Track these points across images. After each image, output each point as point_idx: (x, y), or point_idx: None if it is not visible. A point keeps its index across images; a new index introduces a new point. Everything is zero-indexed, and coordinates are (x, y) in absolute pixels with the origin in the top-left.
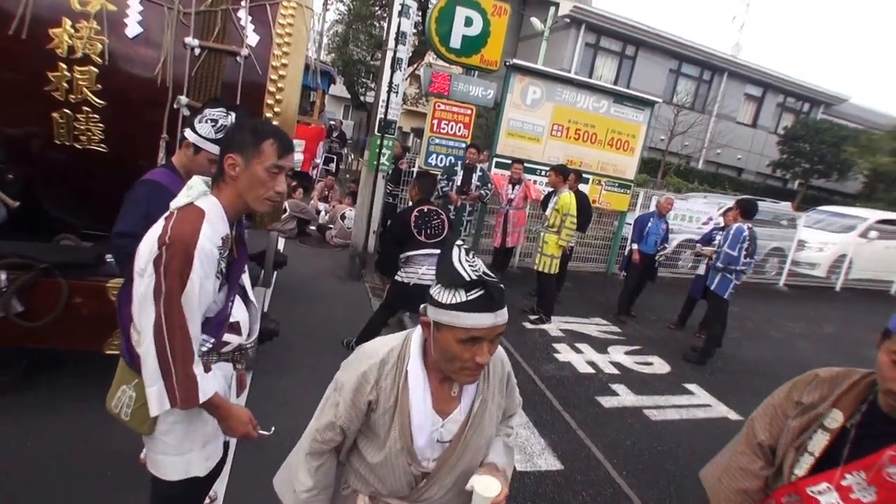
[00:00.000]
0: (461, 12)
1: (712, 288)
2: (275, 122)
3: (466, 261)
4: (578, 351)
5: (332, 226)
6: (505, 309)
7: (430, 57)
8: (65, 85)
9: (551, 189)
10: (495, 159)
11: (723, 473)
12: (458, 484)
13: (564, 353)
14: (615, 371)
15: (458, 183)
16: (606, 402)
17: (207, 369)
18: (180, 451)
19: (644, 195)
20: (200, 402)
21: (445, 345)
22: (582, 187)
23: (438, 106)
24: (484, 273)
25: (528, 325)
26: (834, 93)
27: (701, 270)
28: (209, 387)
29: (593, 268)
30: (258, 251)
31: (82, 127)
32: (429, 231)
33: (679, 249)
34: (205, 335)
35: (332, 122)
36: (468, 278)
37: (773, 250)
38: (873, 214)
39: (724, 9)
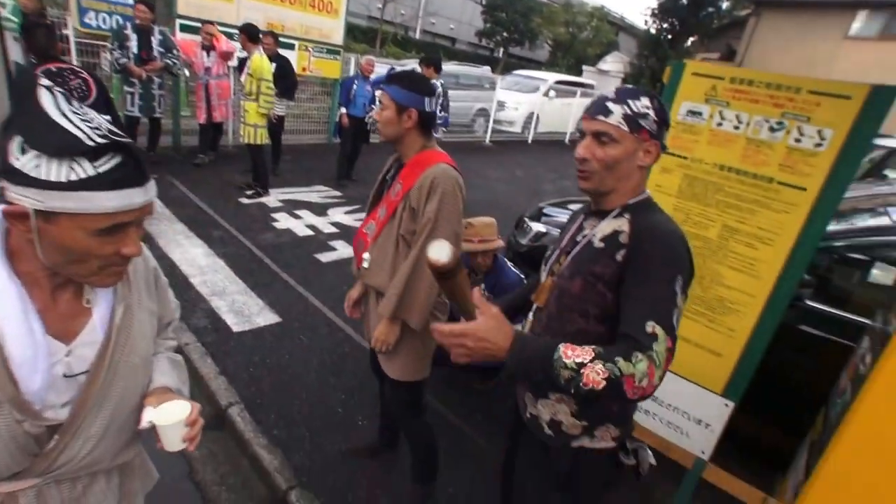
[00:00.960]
0: None
1: None
2: None
3: (74, 112)
4: (298, 217)
5: None
6: (153, 180)
7: None
8: None
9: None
10: (179, 21)
11: None
12: (112, 431)
13: (283, 221)
14: (335, 230)
15: (135, 51)
16: (325, 257)
17: None
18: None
19: (355, 61)
20: None
21: (69, 241)
22: (288, 54)
23: None
24: (110, 131)
25: (245, 201)
26: None
27: None
28: None
29: (314, 139)
30: None
31: None
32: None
33: None
34: None
35: None
36: (91, 141)
37: (479, 111)
38: (552, 76)
39: None
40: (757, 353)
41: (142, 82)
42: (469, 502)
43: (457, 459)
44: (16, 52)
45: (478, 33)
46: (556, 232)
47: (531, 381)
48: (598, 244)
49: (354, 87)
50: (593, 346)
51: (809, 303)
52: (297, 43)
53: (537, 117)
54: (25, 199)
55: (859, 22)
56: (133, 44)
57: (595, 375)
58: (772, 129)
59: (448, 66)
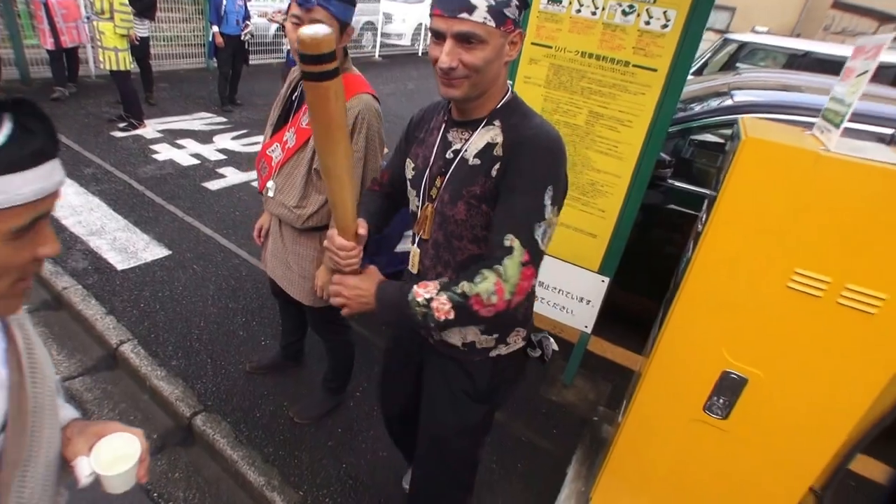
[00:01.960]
0: None
1: None
2: None
3: None
4: (180, 147)
5: None
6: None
7: None
8: None
9: None
10: None
11: None
12: (42, 497)
13: (165, 153)
14: (222, 157)
15: None
16: (213, 185)
17: None
18: None
19: None
20: None
21: None
22: None
23: None
24: None
25: (119, 134)
26: None
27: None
28: None
29: (191, 64)
30: None
31: None
32: None
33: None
34: None
35: None
36: None
37: (366, 25)
38: None
39: None
40: (626, 231)
41: None
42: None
43: (365, 366)
44: None
45: None
46: None
47: (405, 323)
48: (473, 161)
49: (224, 2)
50: (443, 279)
51: (672, 182)
52: None
53: (426, 28)
54: None
55: None
56: None
57: (442, 307)
58: (624, 13)
59: None
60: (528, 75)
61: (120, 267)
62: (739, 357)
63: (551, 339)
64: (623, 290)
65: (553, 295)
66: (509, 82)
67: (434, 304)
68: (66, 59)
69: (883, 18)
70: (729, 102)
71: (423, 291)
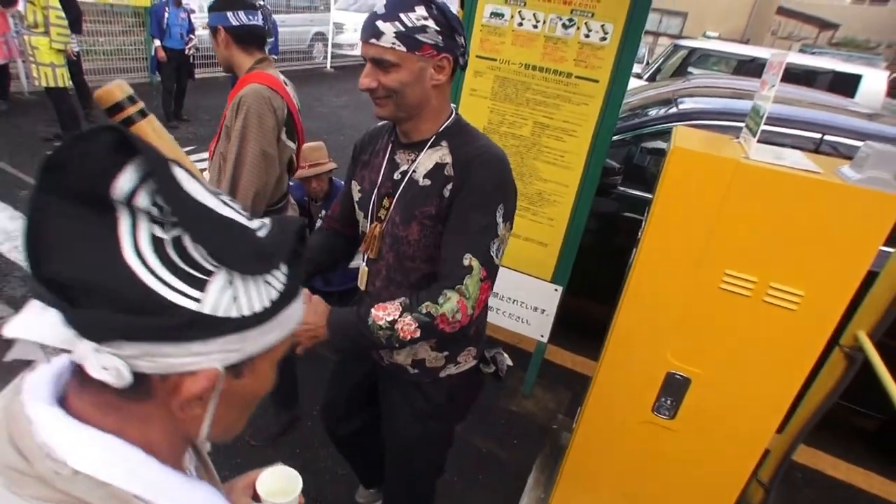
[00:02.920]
0: None
1: None
2: None
3: (223, 200)
4: None
5: None
6: None
7: None
8: None
9: None
10: None
11: None
12: None
13: None
14: None
15: None
16: None
17: None
18: None
19: None
20: None
21: (259, 388)
22: None
23: None
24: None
25: None
26: None
27: None
28: None
29: (133, 78)
30: None
31: None
32: None
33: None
34: None
35: None
36: (259, 228)
37: (316, 35)
38: None
39: None
40: (576, 239)
41: None
42: None
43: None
44: None
45: None
46: None
47: (362, 347)
48: (423, 182)
49: (166, 15)
50: (401, 300)
51: (623, 189)
52: None
53: None
54: (205, 358)
55: None
56: None
57: (408, 327)
58: (564, 26)
59: None
60: (473, 88)
61: None
62: (682, 358)
63: (505, 355)
64: (577, 298)
65: (508, 305)
66: (453, 105)
67: (398, 326)
68: None
69: (823, 25)
70: (675, 110)
71: (383, 315)
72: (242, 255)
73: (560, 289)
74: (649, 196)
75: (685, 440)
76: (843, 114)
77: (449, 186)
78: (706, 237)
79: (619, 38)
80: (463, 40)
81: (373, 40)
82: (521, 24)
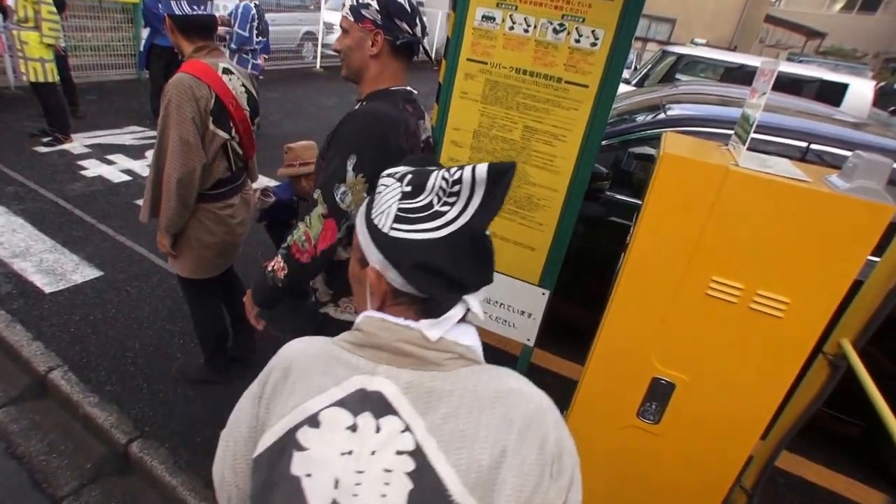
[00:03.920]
0: None
1: None
2: None
3: None
4: (111, 162)
5: None
6: None
7: None
8: None
9: None
10: None
11: None
12: None
13: (94, 168)
14: None
15: None
16: None
17: None
18: None
19: None
20: None
21: None
22: None
23: None
24: None
25: (43, 149)
26: None
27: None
28: None
29: (121, 74)
30: None
31: None
32: None
33: None
34: None
35: None
36: None
37: (306, 35)
38: None
39: None
40: (564, 243)
41: None
42: None
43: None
44: None
45: None
46: None
47: (276, 298)
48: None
49: (161, 12)
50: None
51: (610, 194)
52: None
53: None
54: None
55: None
56: None
57: (277, 265)
58: (555, 31)
59: None
60: (464, 90)
61: (48, 290)
62: (667, 363)
63: None
64: (565, 302)
65: (495, 309)
66: (410, 89)
67: (274, 266)
68: None
69: (810, 34)
70: (662, 116)
71: (270, 262)
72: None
73: (548, 293)
74: (637, 201)
75: (670, 445)
76: (830, 123)
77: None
78: (694, 243)
79: (610, 43)
80: (406, 26)
81: (340, 10)
82: (512, 28)
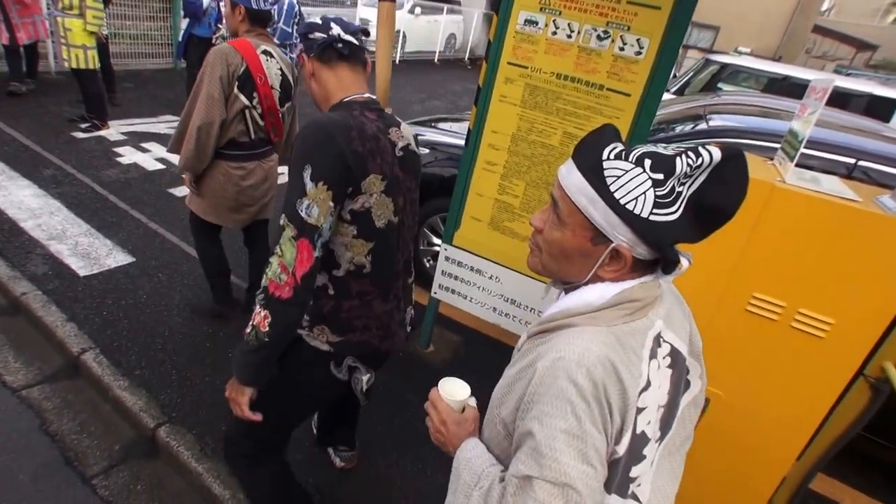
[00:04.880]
0: None
1: None
2: None
3: None
4: (145, 150)
5: None
6: None
7: None
8: None
9: None
10: None
11: None
12: None
13: (129, 156)
14: None
15: None
16: (180, 192)
17: None
18: None
19: None
20: None
21: None
22: None
23: None
24: None
25: (80, 135)
26: None
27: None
28: None
29: (157, 64)
30: None
31: None
32: None
33: None
34: None
35: None
36: None
37: None
38: None
39: None
40: None
41: None
42: None
43: None
44: None
45: None
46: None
47: (267, 364)
48: None
49: (204, 3)
50: None
51: None
52: None
53: (404, 35)
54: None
55: None
56: None
57: (258, 316)
58: (599, 38)
59: None
60: (503, 94)
61: (82, 273)
62: None
63: (365, 377)
64: None
65: (525, 313)
66: (370, 96)
67: (254, 322)
68: (24, 55)
69: (861, 46)
70: (704, 126)
71: (247, 326)
72: None
73: None
74: None
75: (701, 461)
76: (879, 139)
77: None
78: (736, 258)
79: (655, 53)
80: (319, 34)
81: None
82: (555, 34)
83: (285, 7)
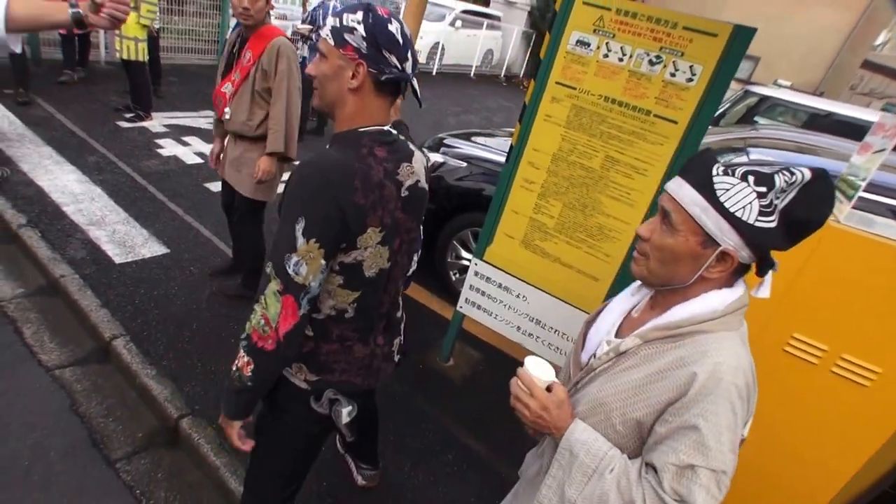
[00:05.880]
0: None
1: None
2: None
3: None
4: (185, 144)
5: None
6: None
7: None
8: None
9: None
10: None
11: None
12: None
13: (169, 148)
14: None
15: None
16: (215, 187)
17: None
18: None
19: None
20: None
21: None
22: None
23: None
24: None
25: (125, 125)
26: None
27: (304, 52)
28: None
29: (202, 59)
30: None
31: None
32: None
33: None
34: None
35: None
36: None
37: None
38: (458, 5)
39: None
40: (629, 277)
41: None
42: None
43: None
44: None
45: None
46: (455, 163)
47: (250, 402)
48: None
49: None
50: None
51: None
52: None
53: (443, 48)
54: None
55: None
56: None
57: (241, 360)
58: (651, 63)
59: None
60: (548, 114)
61: (118, 260)
62: None
63: (345, 409)
64: None
65: (549, 335)
66: (390, 128)
67: (238, 364)
68: (78, 43)
69: None
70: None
71: (235, 360)
72: None
73: None
74: None
75: (734, 501)
76: None
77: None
78: (779, 297)
79: (707, 81)
80: (395, 59)
81: (320, 31)
82: (606, 56)
83: (329, 10)
